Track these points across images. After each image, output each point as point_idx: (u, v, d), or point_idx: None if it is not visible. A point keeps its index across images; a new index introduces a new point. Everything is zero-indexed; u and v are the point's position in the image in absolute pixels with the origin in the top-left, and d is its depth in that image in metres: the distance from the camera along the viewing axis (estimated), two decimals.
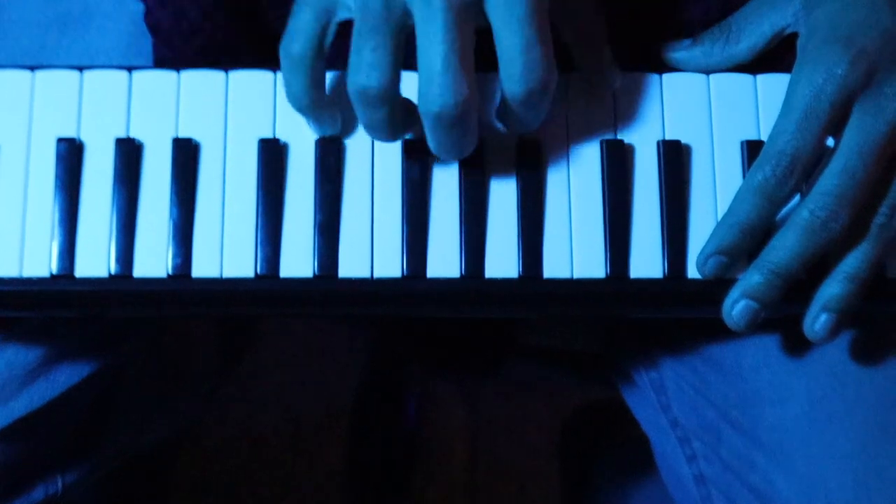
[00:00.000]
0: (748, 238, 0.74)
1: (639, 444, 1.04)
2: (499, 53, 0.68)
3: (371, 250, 0.74)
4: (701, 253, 0.75)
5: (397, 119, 0.71)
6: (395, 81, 0.69)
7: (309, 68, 0.71)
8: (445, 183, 0.76)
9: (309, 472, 1.49)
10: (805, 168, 0.73)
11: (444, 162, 0.76)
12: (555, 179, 0.76)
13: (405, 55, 0.69)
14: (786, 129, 0.73)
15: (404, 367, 1.49)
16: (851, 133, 0.73)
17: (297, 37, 0.70)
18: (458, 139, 0.70)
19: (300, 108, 0.73)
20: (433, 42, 0.67)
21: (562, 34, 0.74)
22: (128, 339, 0.88)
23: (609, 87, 0.76)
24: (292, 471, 1.49)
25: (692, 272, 0.76)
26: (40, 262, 0.73)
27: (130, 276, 0.73)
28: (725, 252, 0.74)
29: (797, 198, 0.75)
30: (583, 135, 0.77)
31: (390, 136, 0.73)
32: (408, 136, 0.75)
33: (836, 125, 0.73)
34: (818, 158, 0.74)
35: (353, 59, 0.69)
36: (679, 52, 0.80)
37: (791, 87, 0.74)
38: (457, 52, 0.67)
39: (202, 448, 1.48)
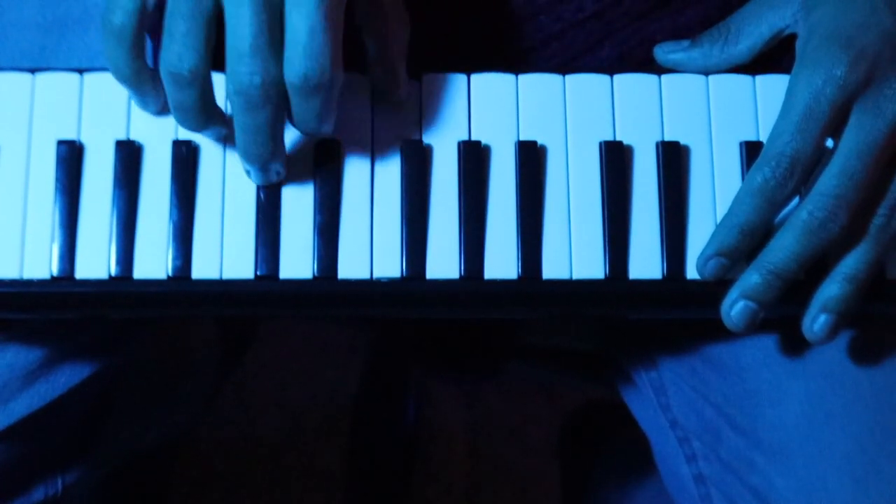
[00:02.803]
0: (748, 240, 0.74)
1: (639, 444, 1.04)
2: (286, 37, 0.68)
3: (370, 251, 0.75)
4: (701, 255, 0.75)
5: (207, 104, 0.71)
6: (206, 65, 0.69)
7: (131, 38, 0.70)
8: (445, 184, 0.76)
9: (309, 472, 1.49)
10: (805, 169, 0.73)
11: (444, 163, 0.76)
12: (554, 180, 0.76)
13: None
14: (785, 130, 0.73)
15: (404, 367, 1.49)
16: (850, 134, 0.73)
17: (118, 7, 0.70)
18: (263, 125, 0.69)
19: (122, 80, 0.72)
20: (241, 22, 0.67)
21: (362, 33, 0.74)
22: (128, 340, 0.88)
23: (393, 99, 0.76)
24: (292, 471, 1.49)
25: (691, 273, 0.76)
26: (41, 264, 0.73)
27: (130, 277, 0.73)
28: (725, 254, 0.74)
29: (796, 199, 0.75)
30: (582, 135, 0.77)
31: (198, 122, 0.72)
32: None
33: (835, 126, 0.73)
34: (818, 159, 0.74)
35: (165, 40, 0.69)
36: (678, 54, 0.80)
37: (790, 88, 0.74)
38: (265, 31, 0.67)
39: (202, 448, 1.48)
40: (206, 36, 0.68)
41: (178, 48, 0.68)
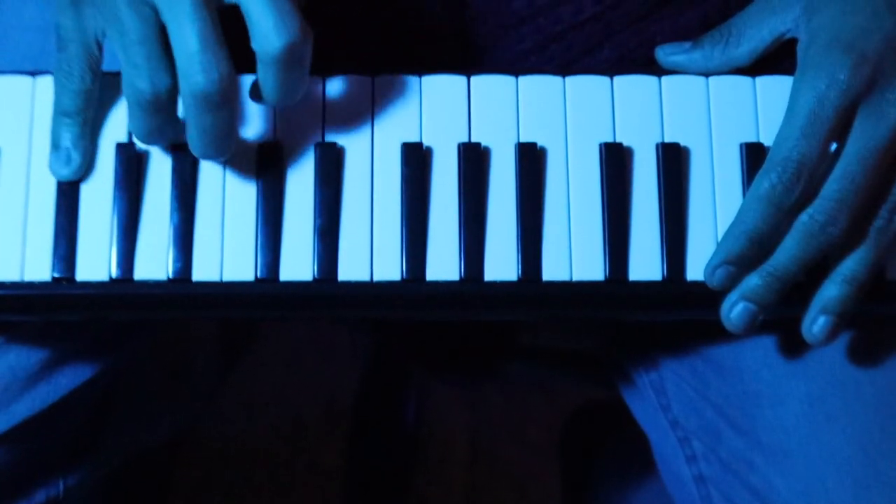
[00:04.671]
0: (756, 247, 0.74)
1: (639, 445, 1.04)
2: (248, 20, 0.68)
3: (370, 254, 0.75)
4: (708, 264, 0.75)
5: (175, 119, 0.71)
6: (174, 82, 0.69)
7: (85, 102, 0.72)
8: (444, 186, 0.76)
9: (309, 472, 1.49)
10: (811, 174, 0.73)
11: (444, 166, 0.76)
12: (554, 182, 0.76)
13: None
14: (790, 135, 0.73)
15: (404, 367, 1.49)
16: (853, 138, 0.73)
17: (72, 77, 0.72)
18: (223, 124, 0.70)
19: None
20: (185, 25, 0.67)
21: None
22: (129, 341, 0.88)
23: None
24: (292, 471, 1.49)
25: (691, 274, 0.76)
26: (42, 266, 0.73)
27: (131, 279, 0.73)
28: (734, 262, 0.74)
29: None
30: (582, 137, 0.77)
31: (166, 138, 0.73)
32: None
33: (839, 130, 0.73)
34: (823, 164, 0.74)
35: (127, 70, 0.69)
36: (679, 56, 0.80)
37: (794, 93, 0.74)
38: (210, 30, 0.67)
39: (202, 448, 1.47)
40: (163, 54, 0.69)
41: (146, 73, 0.69)
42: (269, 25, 0.68)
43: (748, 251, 0.74)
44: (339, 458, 1.48)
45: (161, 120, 0.71)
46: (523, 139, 0.77)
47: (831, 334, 0.75)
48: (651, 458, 0.97)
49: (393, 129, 0.76)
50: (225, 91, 0.68)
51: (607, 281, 0.76)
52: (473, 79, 0.78)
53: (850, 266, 0.75)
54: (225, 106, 0.69)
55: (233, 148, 0.72)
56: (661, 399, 0.91)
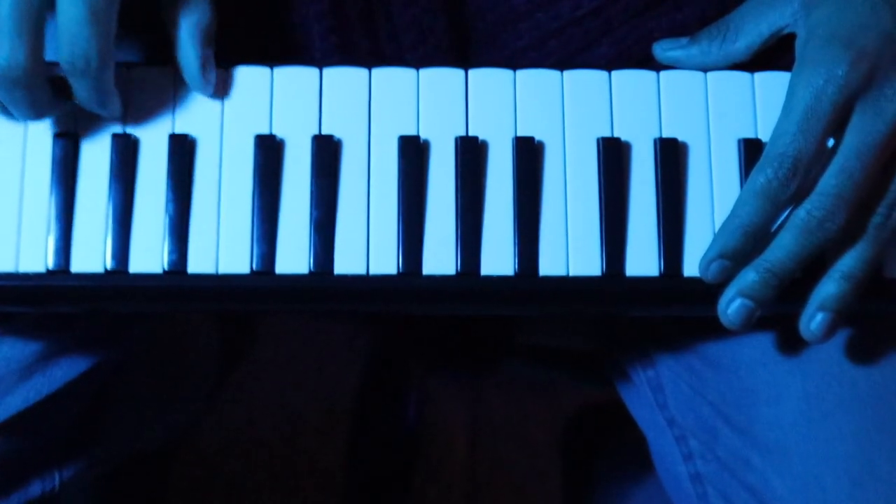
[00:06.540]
0: (751, 241, 0.74)
1: (639, 444, 1.04)
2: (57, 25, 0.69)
3: (367, 247, 0.74)
4: (703, 258, 0.75)
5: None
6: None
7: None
8: (441, 180, 0.76)
9: (309, 472, 1.49)
10: (807, 169, 0.73)
11: (441, 159, 0.76)
12: (551, 176, 0.76)
13: None
14: (787, 130, 0.73)
15: (404, 367, 1.49)
16: (851, 134, 0.73)
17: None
18: (23, 98, 0.71)
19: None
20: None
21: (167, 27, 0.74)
22: (126, 335, 0.88)
23: (198, 88, 0.75)
24: (292, 471, 1.49)
25: (688, 270, 0.76)
26: (36, 258, 0.73)
27: (126, 271, 0.73)
28: (728, 256, 0.74)
29: None
30: (579, 132, 0.77)
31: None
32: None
33: (836, 126, 0.73)
34: (820, 159, 0.73)
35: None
36: (676, 51, 0.80)
37: (791, 88, 0.74)
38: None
39: (202, 448, 1.48)
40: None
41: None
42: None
43: (743, 245, 0.74)
44: (339, 458, 1.48)
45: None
46: (521, 133, 0.77)
47: (829, 331, 0.75)
48: (651, 458, 0.97)
49: (390, 122, 0.76)
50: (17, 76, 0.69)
51: (604, 276, 0.75)
52: (471, 72, 0.78)
53: (849, 263, 0.75)
54: (18, 86, 0.69)
55: (45, 110, 0.73)
56: (657, 397, 0.91)
